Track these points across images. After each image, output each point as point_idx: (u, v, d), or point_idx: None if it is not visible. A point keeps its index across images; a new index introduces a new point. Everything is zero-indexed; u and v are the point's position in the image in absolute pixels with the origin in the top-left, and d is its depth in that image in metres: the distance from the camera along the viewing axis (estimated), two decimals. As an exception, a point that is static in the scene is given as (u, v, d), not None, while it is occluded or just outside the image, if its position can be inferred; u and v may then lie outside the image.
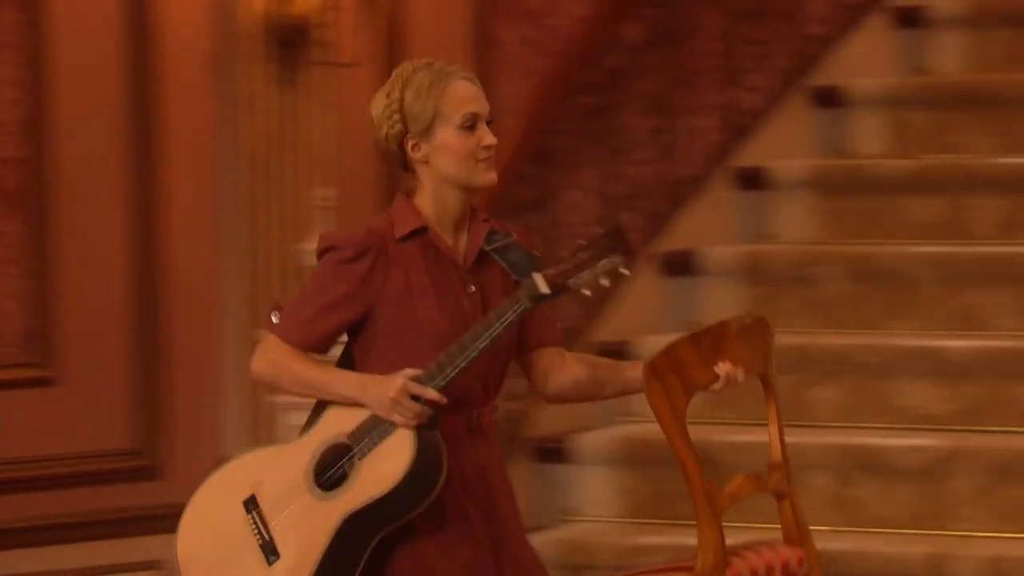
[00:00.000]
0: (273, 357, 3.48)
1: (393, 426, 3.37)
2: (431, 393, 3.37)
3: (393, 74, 3.48)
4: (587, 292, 3.30)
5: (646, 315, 5.64)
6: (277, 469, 3.51)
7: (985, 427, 5.12)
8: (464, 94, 3.43)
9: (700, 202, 5.87)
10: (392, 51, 5.80)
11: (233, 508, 3.52)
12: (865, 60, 6.11)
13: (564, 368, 3.51)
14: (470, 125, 3.42)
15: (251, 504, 3.50)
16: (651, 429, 5.31)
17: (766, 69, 6.00)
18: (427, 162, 3.45)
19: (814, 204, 5.81)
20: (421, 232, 3.46)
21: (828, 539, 4.85)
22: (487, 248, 3.43)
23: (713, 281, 5.64)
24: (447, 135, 3.42)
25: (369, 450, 3.42)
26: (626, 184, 5.74)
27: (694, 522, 5.12)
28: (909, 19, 6.16)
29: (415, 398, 3.36)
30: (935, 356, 5.18)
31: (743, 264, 5.63)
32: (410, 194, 3.48)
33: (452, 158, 3.43)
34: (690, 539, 4.95)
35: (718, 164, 5.92)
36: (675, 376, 3.46)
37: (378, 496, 3.38)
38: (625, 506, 5.19)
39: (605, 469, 5.23)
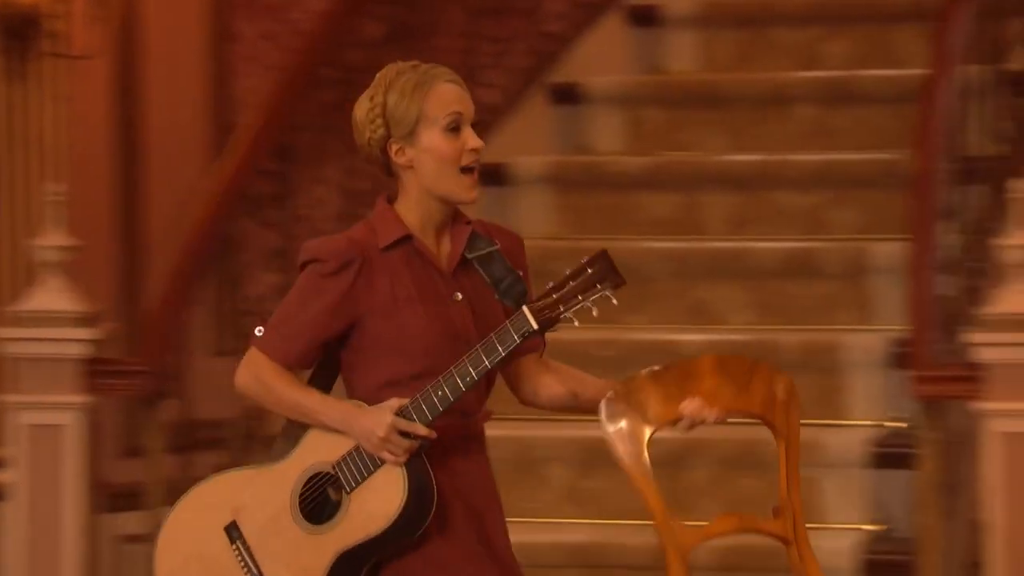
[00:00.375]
0: (257, 373, 3.37)
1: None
2: (421, 430, 3.27)
3: (376, 77, 3.36)
4: (576, 323, 3.22)
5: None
6: (258, 495, 3.39)
7: (718, 418, 5.18)
8: (449, 95, 3.32)
9: (441, 197, 5.84)
10: (126, 44, 5.66)
11: (215, 533, 3.41)
12: (602, 58, 6.15)
13: (540, 378, 3.44)
14: (455, 127, 3.32)
15: (234, 531, 3.40)
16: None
17: (506, 66, 6.01)
18: (411, 167, 3.33)
19: (553, 200, 5.84)
20: (405, 240, 3.34)
21: (566, 531, 4.88)
22: (469, 256, 3.34)
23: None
24: (432, 138, 3.31)
25: (357, 482, 3.32)
26: (369, 180, 5.69)
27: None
28: (644, 18, 6.22)
29: (404, 434, 3.27)
30: (670, 350, 5.23)
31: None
32: (391, 200, 3.37)
33: (436, 162, 3.32)
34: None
35: (459, 160, 5.90)
36: (635, 414, 3.38)
37: (372, 535, 3.31)
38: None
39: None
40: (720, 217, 5.73)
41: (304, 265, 3.35)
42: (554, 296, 3.24)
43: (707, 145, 5.91)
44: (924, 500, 4.68)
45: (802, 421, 5.10)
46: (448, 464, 3.34)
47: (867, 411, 5.13)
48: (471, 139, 3.34)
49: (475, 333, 3.33)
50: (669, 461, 4.98)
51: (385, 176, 3.38)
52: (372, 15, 5.60)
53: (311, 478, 3.35)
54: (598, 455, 5.02)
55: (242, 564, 3.39)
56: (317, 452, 3.35)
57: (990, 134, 5.20)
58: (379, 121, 3.33)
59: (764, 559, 4.88)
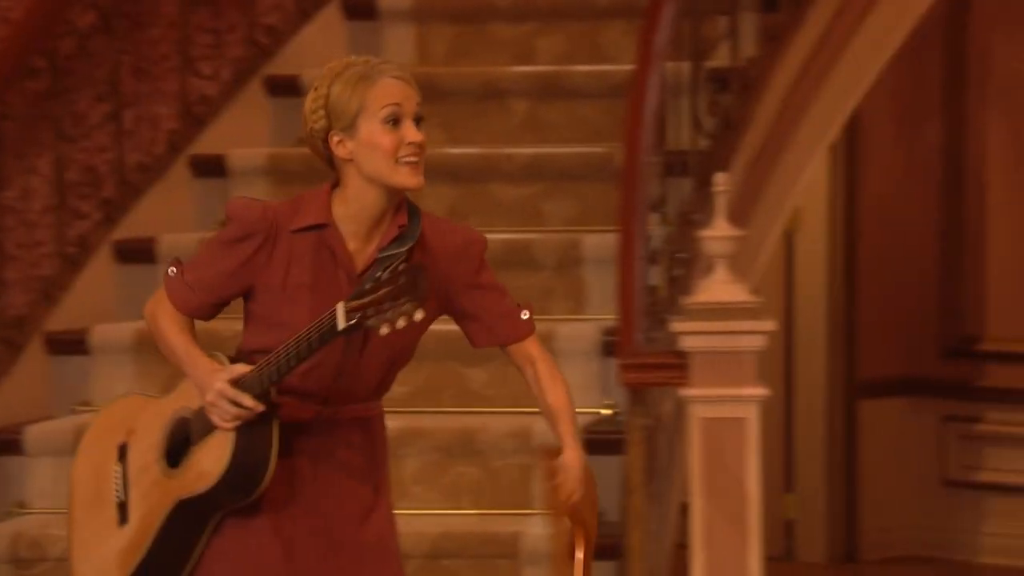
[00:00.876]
0: (155, 310, 3.38)
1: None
2: (247, 401, 3.26)
3: (325, 69, 3.32)
4: (384, 331, 3.15)
5: (101, 302, 5.50)
6: (146, 423, 3.41)
7: (437, 408, 5.20)
8: (390, 89, 3.28)
9: (157, 189, 5.76)
10: None
11: (111, 450, 3.44)
12: (321, 50, 6.11)
13: (527, 378, 3.48)
14: (393, 120, 3.27)
15: (122, 453, 3.42)
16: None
17: (223, 58, 5.94)
18: (351, 160, 3.29)
19: (270, 190, 5.78)
20: (319, 228, 3.31)
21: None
22: (379, 255, 3.30)
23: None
24: (371, 130, 3.27)
25: (202, 436, 3.31)
26: (82, 171, 5.57)
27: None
28: (361, 11, 6.20)
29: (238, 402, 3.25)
30: (388, 338, 5.22)
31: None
32: (335, 186, 3.33)
33: (375, 154, 3.27)
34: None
35: (176, 151, 5.81)
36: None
37: (198, 492, 3.32)
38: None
39: (55, 460, 5.07)
40: (440, 209, 5.72)
41: (226, 219, 3.37)
42: (368, 299, 3.17)
43: (427, 138, 5.90)
44: (631, 484, 4.75)
45: (517, 408, 5.17)
46: (305, 447, 3.34)
47: (581, 399, 5.13)
48: (410, 133, 3.29)
49: (361, 333, 3.26)
50: (386, 450, 4.97)
51: (328, 168, 3.34)
52: (84, 3, 5.48)
53: (177, 421, 3.38)
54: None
55: (116, 487, 3.42)
56: (188, 396, 3.37)
57: (695, 129, 5.30)
58: (321, 112, 3.30)
59: (475, 546, 4.92)
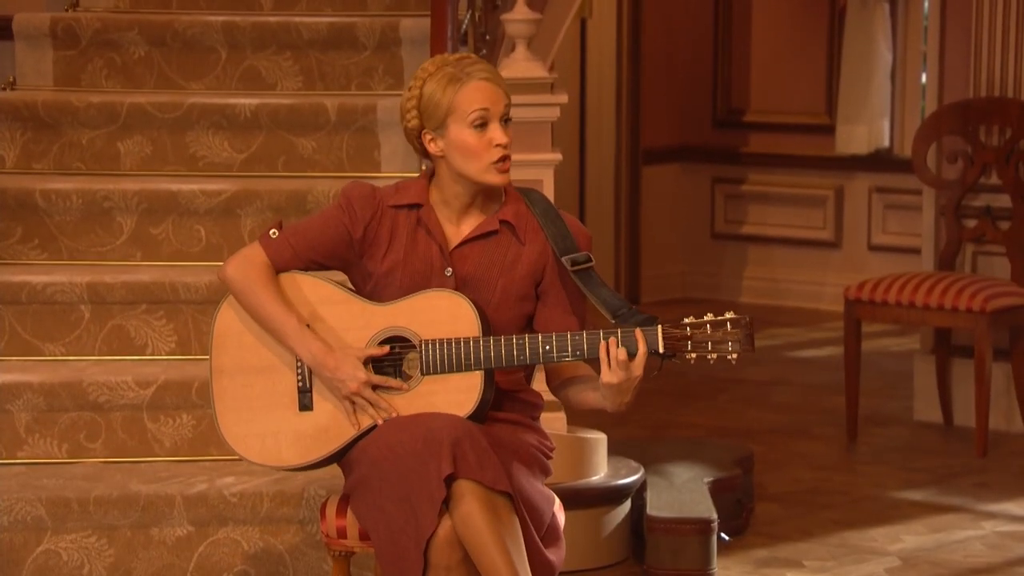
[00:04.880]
0: (248, 271, 3.23)
1: (471, 370, 3.13)
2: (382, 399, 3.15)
3: (422, 66, 3.24)
4: (691, 362, 3.07)
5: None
6: (339, 321, 3.19)
7: (269, 173, 5.17)
8: (480, 93, 3.19)
9: (12, -26, 5.56)
10: None
11: None
12: None
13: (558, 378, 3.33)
14: (481, 123, 3.19)
15: None
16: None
17: None
18: (442, 156, 3.23)
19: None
20: (415, 207, 3.26)
21: (132, 272, 4.81)
22: (570, 268, 3.18)
23: (26, 45, 5.39)
24: (460, 132, 3.19)
25: (435, 371, 3.14)
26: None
27: None
28: None
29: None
30: (225, 112, 5.18)
31: (52, 30, 5.40)
32: (431, 174, 3.29)
33: (464, 155, 3.20)
34: None
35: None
36: None
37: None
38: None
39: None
40: (273, -7, 5.65)
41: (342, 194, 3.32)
42: (688, 331, 3.06)
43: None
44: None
45: (341, 173, 5.14)
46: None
47: (399, 162, 5.18)
48: (497, 135, 3.21)
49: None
50: (223, 208, 4.94)
51: (425, 159, 3.32)
52: None
53: (393, 338, 3.20)
54: (162, 206, 4.95)
55: (298, 372, 3.20)
56: (412, 319, 3.18)
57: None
58: (414, 112, 3.25)
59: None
